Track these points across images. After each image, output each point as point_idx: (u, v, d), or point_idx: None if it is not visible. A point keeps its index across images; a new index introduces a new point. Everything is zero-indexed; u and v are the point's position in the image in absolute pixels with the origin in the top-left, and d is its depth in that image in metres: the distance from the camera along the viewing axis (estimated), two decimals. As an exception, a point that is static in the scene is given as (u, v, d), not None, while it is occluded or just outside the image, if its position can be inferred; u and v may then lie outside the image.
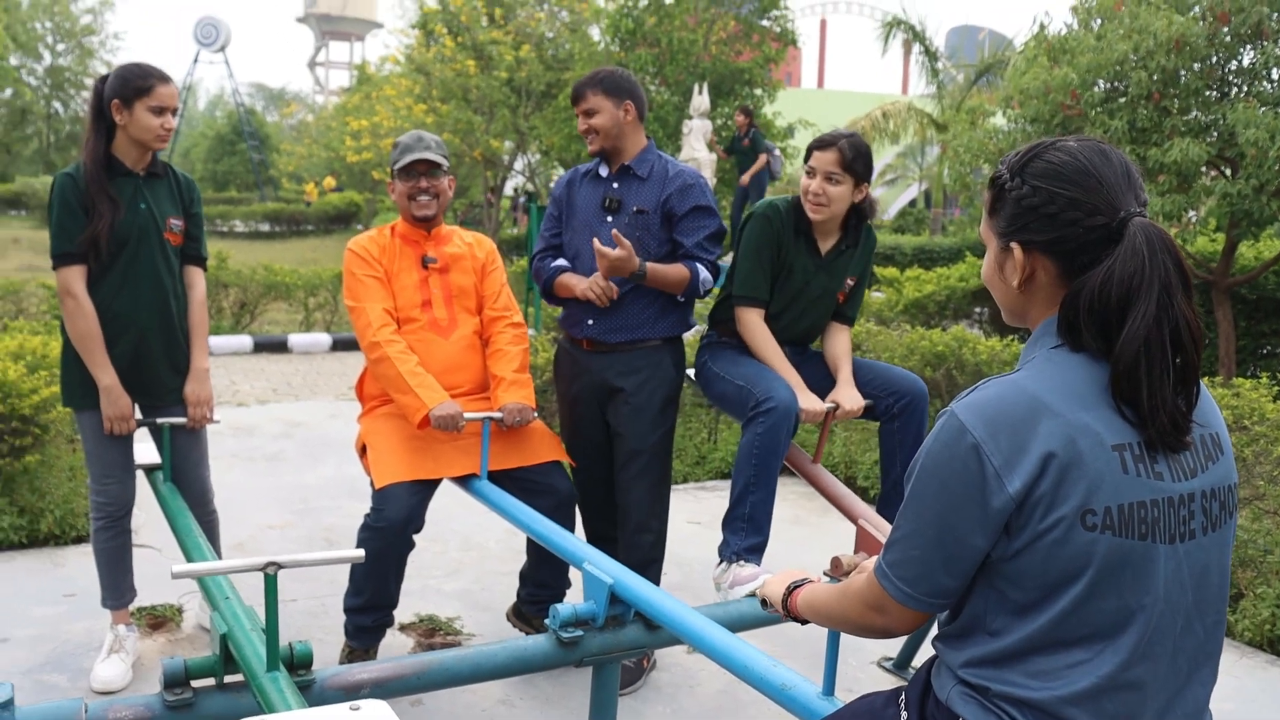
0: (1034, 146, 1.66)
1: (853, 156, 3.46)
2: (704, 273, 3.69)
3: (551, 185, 34.26)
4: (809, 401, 3.49)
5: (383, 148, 20.73)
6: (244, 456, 6.75)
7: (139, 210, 3.59)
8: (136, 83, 3.52)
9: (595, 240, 3.52)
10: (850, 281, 3.74)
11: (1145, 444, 1.54)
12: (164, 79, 3.57)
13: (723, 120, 17.38)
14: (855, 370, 3.70)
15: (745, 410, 3.43)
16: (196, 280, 3.78)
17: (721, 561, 3.42)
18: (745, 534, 3.39)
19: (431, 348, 3.69)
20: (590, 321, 3.76)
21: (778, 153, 14.55)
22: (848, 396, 3.58)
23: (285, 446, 7.07)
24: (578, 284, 3.68)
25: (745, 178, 14.18)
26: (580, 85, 3.72)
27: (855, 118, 24.42)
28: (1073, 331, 1.57)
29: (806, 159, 3.56)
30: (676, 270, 3.65)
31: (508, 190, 27.05)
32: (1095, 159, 1.60)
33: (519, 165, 22.53)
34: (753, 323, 3.61)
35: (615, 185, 3.77)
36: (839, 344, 3.76)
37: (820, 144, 3.54)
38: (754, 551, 3.40)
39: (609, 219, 3.74)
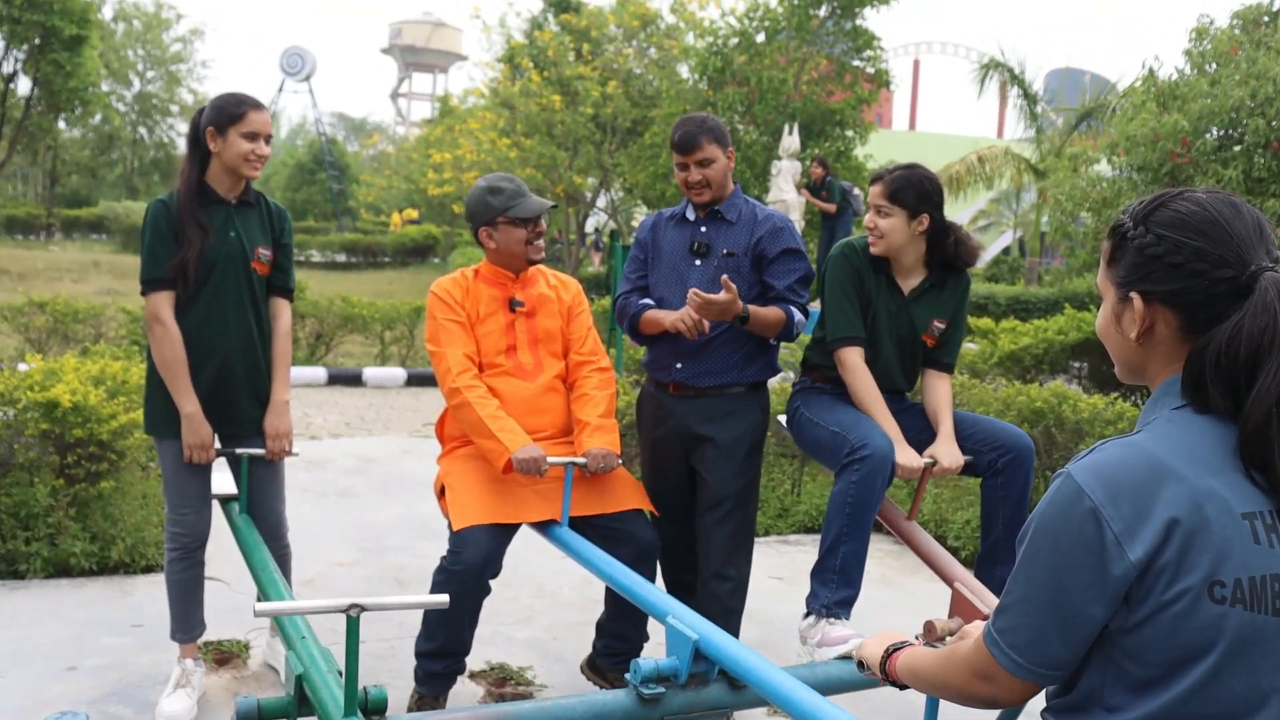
0: (1160, 195, 1.64)
1: (897, 187, 3.54)
2: (798, 315, 3.72)
3: (634, 224, 34.44)
4: (906, 456, 3.45)
5: (465, 181, 21.02)
6: (315, 491, 6.84)
7: (228, 238, 3.68)
8: (230, 109, 3.63)
9: (693, 290, 3.51)
10: (940, 324, 3.72)
11: (1277, 513, 1.49)
12: (257, 106, 3.68)
13: (812, 160, 17.39)
14: (956, 423, 3.66)
15: (839, 457, 3.42)
16: (282, 311, 3.86)
17: (809, 614, 3.39)
18: (836, 586, 3.36)
19: (515, 391, 3.73)
20: (679, 365, 3.79)
21: (857, 192, 14.58)
22: (947, 453, 3.53)
23: (357, 482, 7.15)
24: (666, 316, 3.69)
25: (827, 207, 14.35)
26: (693, 133, 3.74)
27: (949, 161, 24.27)
28: (1198, 391, 1.54)
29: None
30: (774, 313, 3.67)
31: (589, 228, 27.31)
32: (1225, 210, 1.58)
33: (601, 202, 22.74)
34: (855, 363, 3.62)
35: (703, 229, 3.81)
36: (938, 394, 3.72)
37: (872, 178, 3.66)
38: (844, 605, 3.36)
39: (697, 262, 3.78)
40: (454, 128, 26.63)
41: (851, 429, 3.47)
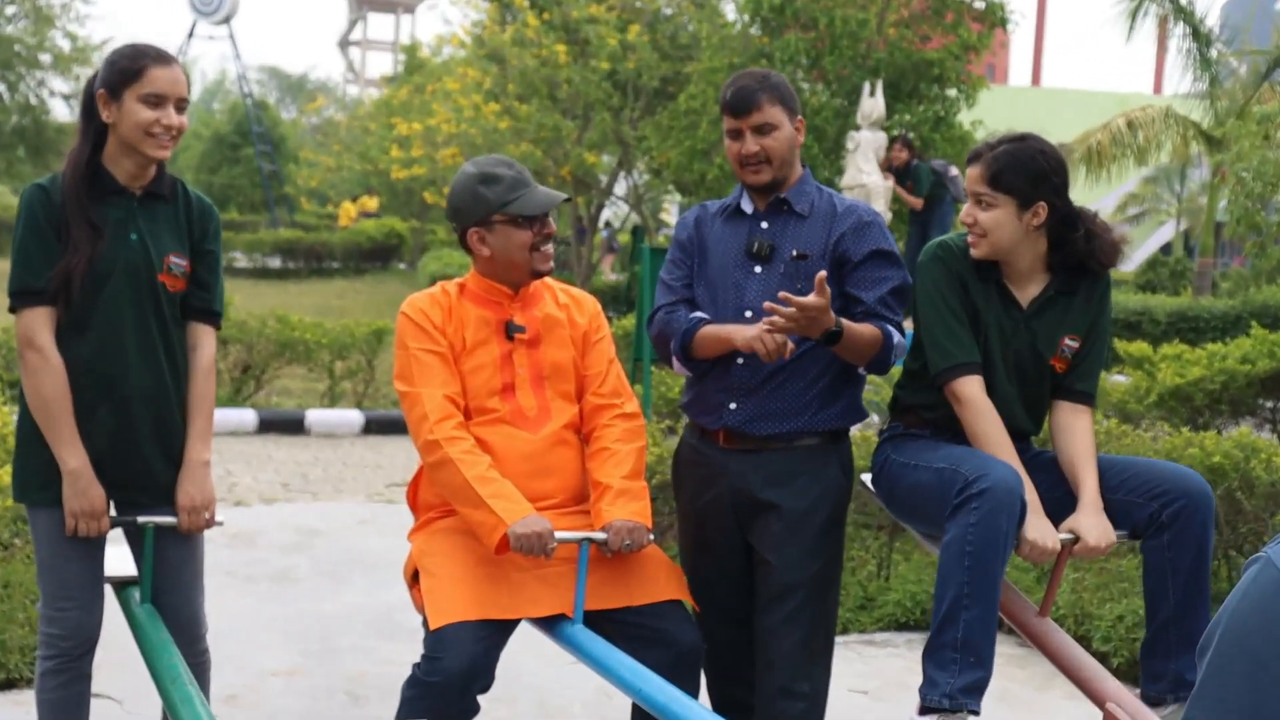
0: None
1: (1000, 168, 3.61)
2: (896, 335, 3.77)
3: (663, 218, 34.19)
4: (1038, 529, 3.47)
5: (440, 160, 21.12)
6: (241, 575, 6.87)
7: (128, 242, 3.69)
8: (124, 65, 3.63)
9: (782, 295, 3.52)
10: (1072, 343, 3.77)
11: None
12: (162, 59, 3.66)
13: (902, 129, 17.40)
14: (1101, 473, 3.67)
15: (949, 498, 3.47)
16: (204, 341, 3.87)
17: (927, 710, 3.40)
18: (960, 667, 3.39)
19: (513, 444, 3.78)
20: (732, 406, 3.82)
21: (955, 172, 14.56)
22: (1093, 527, 3.54)
23: (298, 563, 7.18)
24: (738, 333, 3.69)
25: (912, 201, 14.39)
26: (750, 89, 3.80)
27: (1087, 129, 24.14)
28: None
29: None
30: (869, 331, 3.71)
31: (602, 222, 27.36)
32: None
33: (620, 188, 22.80)
34: (975, 398, 3.67)
35: (764, 224, 3.88)
36: (1075, 438, 3.75)
37: (969, 157, 3.72)
38: (973, 693, 3.39)
39: (757, 269, 3.84)
40: (425, 88, 26.81)
41: (964, 461, 3.53)
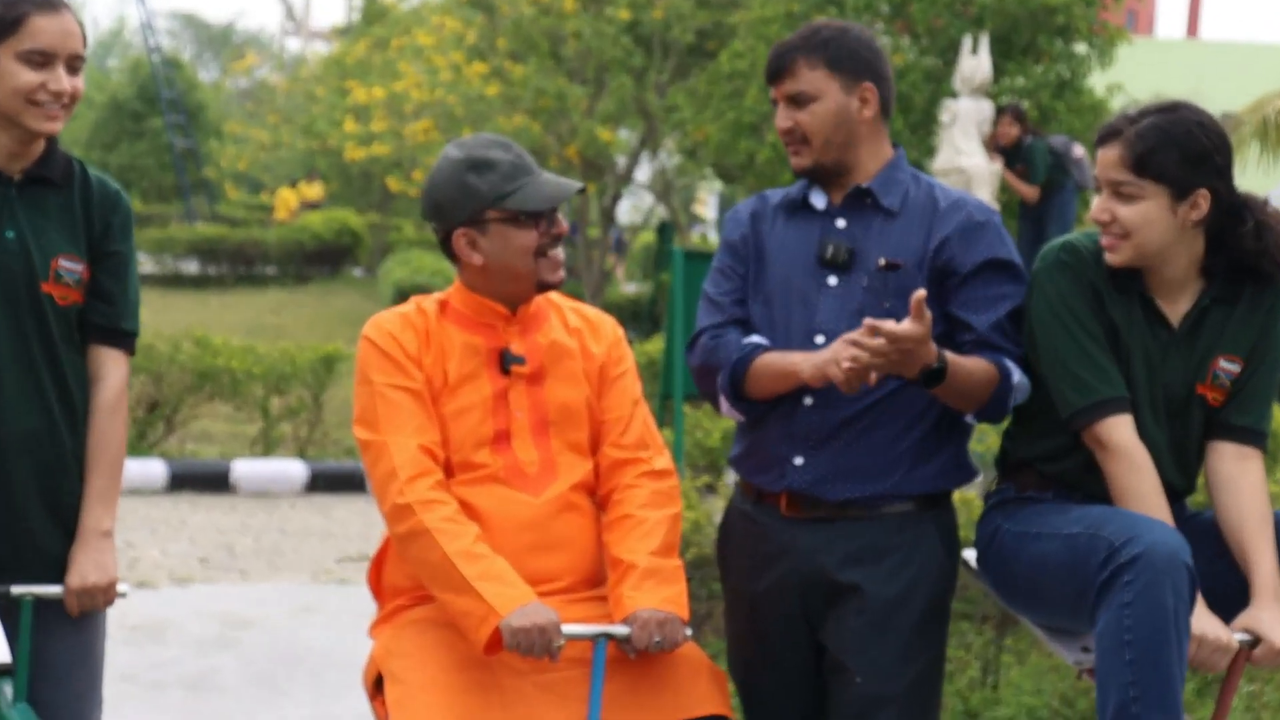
0: None
1: (1148, 148, 3.58)
2: (1016, 373, 3.77)
3: (696, 211, 34.09)
4: (1207, 623, 3.45)
5: (407, 137, 21.13)
6: (144, 680, 6.86)
7: (3, 241, 3.71)
8: None
9: (869, 323, 3.52)
10: (1229, 364, 3.75)
11: None
12: (47, 5, 3.67)
13: (1015, 96, 17.36)
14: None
15: (1091, 571, 3.45)
16: (109, 370, 3.87)
17: None
18: None
19: (509, 509, 3.80)
20: (798, 462, 3.84)
21: (1081, 152, 14.50)
22: (1275, 624, 3.50)
23: (220, 664, 7.18)
24: (806, 362, 3.70)
25: (1025, 190, 14.30)
26: (784, 47, 3.84)
27: (1264, 93, 24.10)
28: None
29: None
30: (981, 368, 3.73)
31: (622, 215, 27.33)
32: None
33: (643, 173, 22.78)
34: (1130, 446, 3.63)
35: (841, 223, 3.88)
36: (1244, 496, 3.71)
37: (1101, 135, 3.70)
38: None
39: (831, 280, 3.85)
40: (388, 44, 26.88)
41: (1105, 523, 3.51)
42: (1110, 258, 3.67)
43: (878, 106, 3.86)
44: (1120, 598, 3.35)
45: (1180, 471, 3.79)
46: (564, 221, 3.92)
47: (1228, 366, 3.72)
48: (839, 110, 3.80)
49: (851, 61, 3.80)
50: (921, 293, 3.49)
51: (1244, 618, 3.52)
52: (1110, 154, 3.64)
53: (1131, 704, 3.33)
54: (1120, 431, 3.62)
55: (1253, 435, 3.74)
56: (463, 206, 3.83)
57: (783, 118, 3.84)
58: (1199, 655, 3.43)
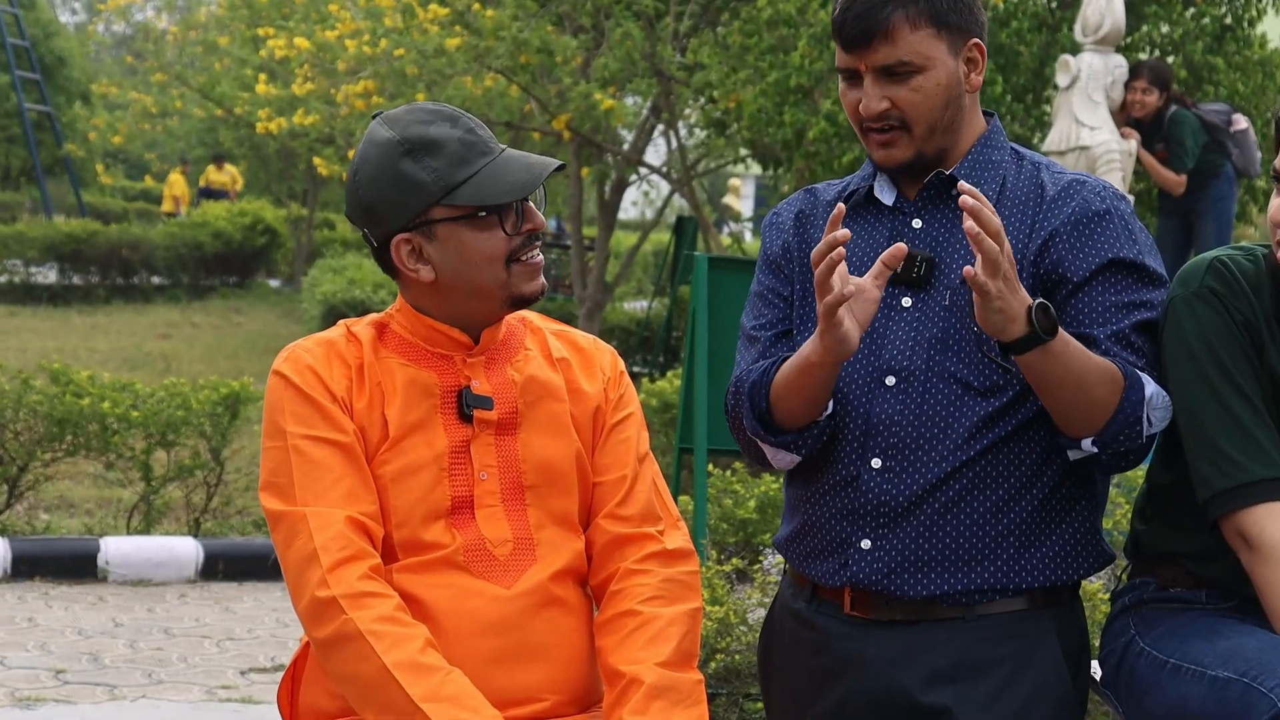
0: None
1: None
2: (1150, 387, 3.76)
3: (728, 202, 34.48)
4: None
5: (342, 104, 21.13)
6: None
7: None
8: None
9: (967, 270, 3.52)
10: None
11: None
12: None
13: (1155, 51, 17.41)
14: None
15: None
16: None
17: None
18: None
19: (470, 605, 3.80)
20: (865, 545, 3.87)
21: (1244, 125, 14.47)
22: None
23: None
24: (812, 343, 3.74)
25: (1168, 177, 14.23)
26: (870, 3, 3.78)
27: None
28: None
29: (1277, 148, 3.82)
30: (1102, 366, 3.69)
31: (626, 206, 27.37)
32: None
33: (655, 154, 22.82)
34: (1274, 541, 3.61)
35: (917, 223, 3.95)
36: None
37: None
38: None
39: (906, 301, 3.92)
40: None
41: (1266, 669, 3.49)
42: None
43: (981, 68, 3.92)
44: None
45: None
46: (538, 212, 3.89)
47: None
48: (950, 82, 3.84)
49: (959, 13, 3.83)
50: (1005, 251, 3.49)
51: None
52: None
53: None
54: (1265, 525, 3.62)
55: None
56: (400, 206, 3.82)
57: (874, 98, 3.82)
58: None
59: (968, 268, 3.41)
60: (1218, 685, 3.53)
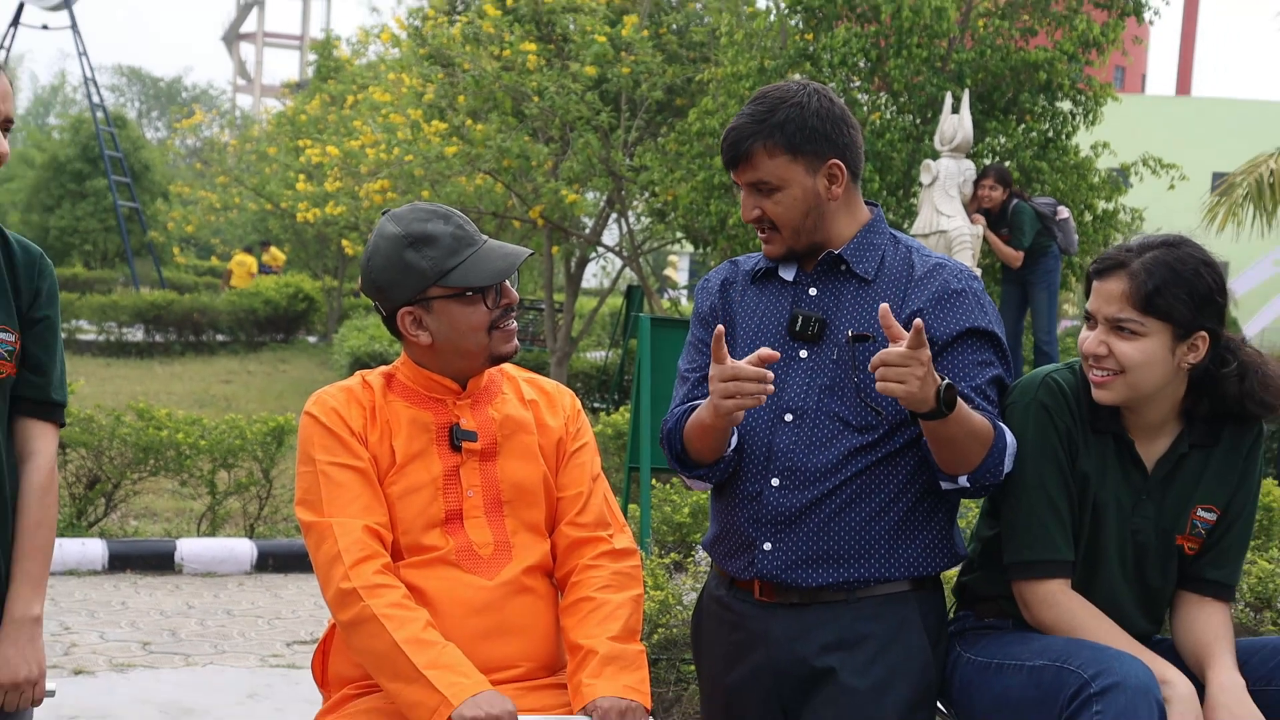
0: None
1: (1157, 283, 3.61)
2: (1009, 437, 3.77)
3: (668, 274, 34.25)
4: (1174, 678, 3.53)
5: (364, 198, 21.14)
6: (85, 773, 6.83)
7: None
8: None
9: (883, 307, 3.54)
10: (1206, 514, 3.82)
11: None
12: None
13: (997, 157, 17.44)
14: (1243, 661, 3.72)
15: (1062, 705, 3.49)
16: (40, 447, 3.88)
17: None
18: None
19: (461, 593, 3.81)
20: (767, 546, 3.85)
21: (1066, 214, 14.61)
22: (1229, 687, 3.56)
23: (163, 756, 7.13)
24: (706, 405, 3.71)
25: (1009, 254, 14.38)
26: (738, 132, 3.83)
27: (1255, 155, 24.24)
28: None
29: (1086, 293, 3.81)
30: (980, 420, 3.68)
31: (587, 278, 27.36)
32: None
33: (611, 237, 22.82)
34: (1057, 602, 3.74)
35: (812, 291, 3.93)
36: (1209, 625, 3.78)
37: (1099, 267, 3.71)
38: None
39: (803, 353, 3.89)
40: (344, 100, 26.96)
41: (1073, 654, 3.56)
42: (1100, 394, 3.71)
43: (847, 178, 3.89)
44: None
45: (1147, 617, 3.87)
46: (513, 289, 3.93)
47: (1205, 515, 3.78)
48: (806, 196, 3.82)
49: (813, 142, 3.80)
50: (919, 322, 3.47)
51: (1206, 700, 3.57)
52: (1113, 287, 3.66)
53: None
54: (1049, 594, 3.74)
55: (1224, 590, 3.84)
56: (404, 286, 3.85)
57: (748, 207, 3.87)
58: None
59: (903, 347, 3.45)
60: (1034, 673, 3.58)
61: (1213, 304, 3.62)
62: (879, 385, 3.48)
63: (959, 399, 3.55)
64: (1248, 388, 3.68)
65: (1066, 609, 3.67)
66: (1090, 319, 3.72)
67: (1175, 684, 3.52)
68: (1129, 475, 3.74)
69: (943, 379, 3.53)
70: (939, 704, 3.94)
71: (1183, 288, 3.58)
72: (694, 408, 3.84)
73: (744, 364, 3.55)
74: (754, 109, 3.82)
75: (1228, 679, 3.61)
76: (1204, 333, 3.62)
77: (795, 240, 3.85)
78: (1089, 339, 3.70)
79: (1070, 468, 3.74)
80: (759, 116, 3.79)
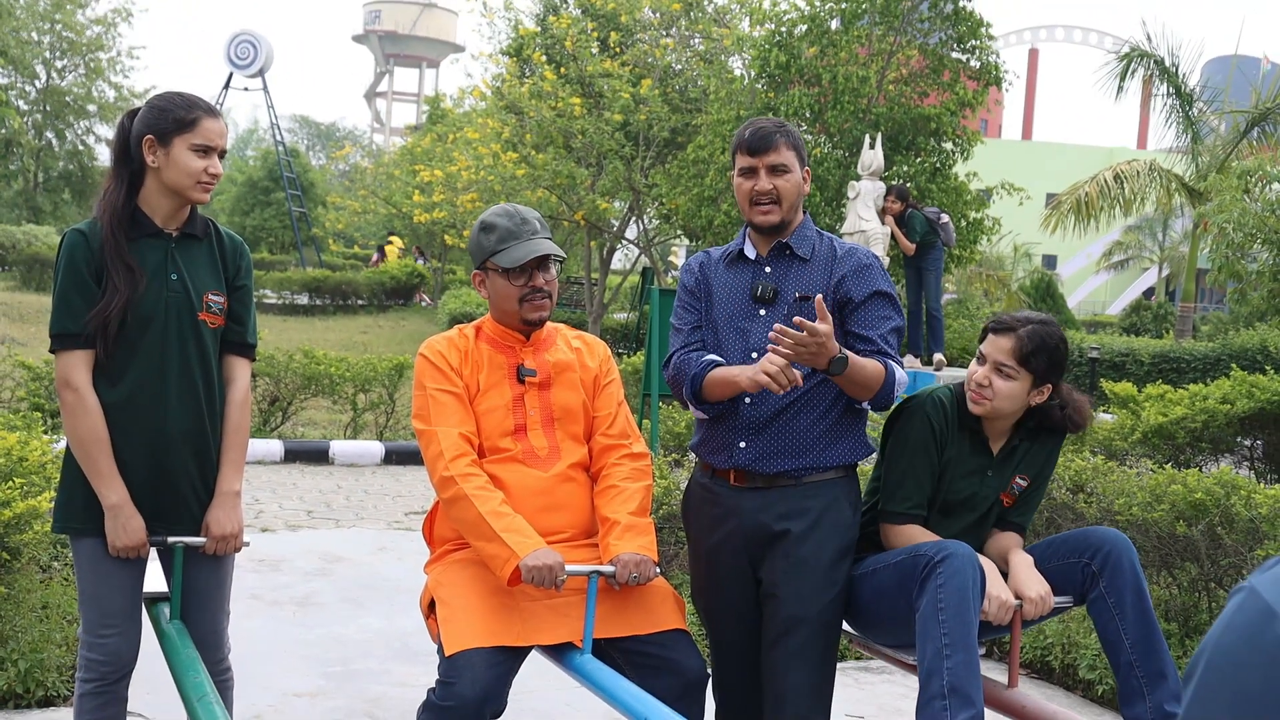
0: None
1: (1032, 349, 3.75)
2: (899, 370, 3.76)
3: (672, 259, 34.31)
4: (998, 586, 3.60)
5: (460, 205, 21.20)
6: (266, 599, 6.84)
7: (169, 282, 3.67)
8: (179, 114, 3.63)
9: (777, 327, 3.49)
10: (1021, 481, 3.97)
11: None
12: (212, 111, 3.70)
13: (900, 179, 17.43)
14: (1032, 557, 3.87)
15: (914, 580, 3.57)
16: (239, 374, 3.87)
17: None
18: (950, 714, 3.35)
19: (524, 481, 3.81)
20: (742, 445, 3.80)
21: (946, 219, 14.62)
22: (1030, 581, 3.70)
23: (320, 588, 7.16)
24: (743, 374, 3.65)
25: (906, 245, 14.38)
26: (769, 132, 3.82)
27: (1076, 181, 24.20)
28: None
29: (981, 339, 3.88)
30: (873, 365, 3.67)
31: (615, 263, 27.41)
32: None
33: (631, 233, 22.86)
34: (911, 535, 3.83)
35: (768, 269, 3.87)
36: (1009, 540, 3.96)
37: (997, 325, 3.86)
38: None
39: (762, 312, 3.83)
40: (447, 137, 26.91)
41: (919, 546, 3.65)
42: (974, 408, 3.84)
43: (808, 187, 3.91)
44: (935, 582, 3.49)
45: (977, 547, 3.94)
46: (552, 273, 3.92)
47: (1020, 482, 3.97)
48: (799, 183, 3.83)
49: (802, 149, 3.85)
50: (819, 297, 3.49)
51: (1008, 586, 3.71)
52: (1004, 343, 3.79)
53: (944, 649, 3.41)
54: (906, 533, 3.83)
55: (1021, 528, 4.03)
56: (476, 256, 3.93)
57: (765, 181, 3.78)
58: (992, 608, 3.56)
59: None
60: (896, 566, 3.65)
61: (1060, 367, 3.81)
62: (795, 358, 3.50)
63: (850, 356, 3.56)
64: (1068, 414, 3.90)
65: (920, 537, 3.80)
66: (982, 358, 3.83)
67: (987, 561, 3.68)
68: (977, 458, 3.90)
69: (841, 352, 3.54)
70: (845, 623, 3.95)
71: (1046, 354, 3.76)
72: (711, 365, 3.76)
73: (795, 370, 3.53)
74: (769, 121, 3.84)
75: (1020, 558, 3.82)
76: (1049, 385, 3.82)
77: (788, 213, 3.81)
78: (978, 372, 3.82)
79: (938, 454, 3.87)
80: (776, 124, 3.83)
